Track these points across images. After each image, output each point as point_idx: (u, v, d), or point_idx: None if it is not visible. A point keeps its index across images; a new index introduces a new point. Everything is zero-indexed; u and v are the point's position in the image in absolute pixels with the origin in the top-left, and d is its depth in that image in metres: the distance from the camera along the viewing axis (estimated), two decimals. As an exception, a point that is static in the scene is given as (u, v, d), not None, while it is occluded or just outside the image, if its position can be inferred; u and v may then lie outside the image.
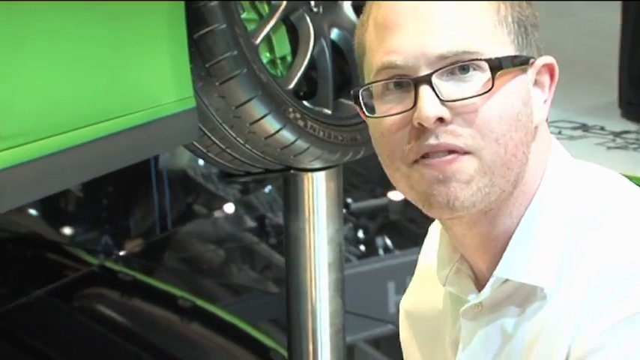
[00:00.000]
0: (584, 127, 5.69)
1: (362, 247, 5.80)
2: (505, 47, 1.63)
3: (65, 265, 3.79)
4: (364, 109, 1.67)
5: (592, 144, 5.51)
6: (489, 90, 1.58)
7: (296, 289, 3.15)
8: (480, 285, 1.74)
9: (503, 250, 1.67)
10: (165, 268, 3.92)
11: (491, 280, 1.68)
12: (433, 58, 1.59)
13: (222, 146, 2.91)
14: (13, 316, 3.46)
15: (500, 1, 1.63)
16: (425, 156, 1.60)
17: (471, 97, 1.58)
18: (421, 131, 1.59)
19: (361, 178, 5.70)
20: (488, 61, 1.58)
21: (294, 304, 3.14)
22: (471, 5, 1.63)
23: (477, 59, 1.60)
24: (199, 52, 2.70)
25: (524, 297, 1.68)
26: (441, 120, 1.57)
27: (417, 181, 1.63)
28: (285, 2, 2.86)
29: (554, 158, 1.73)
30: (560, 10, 6.17)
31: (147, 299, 3.75)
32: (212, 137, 2.88)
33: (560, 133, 5.56)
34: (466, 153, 1.60)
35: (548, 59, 1.69)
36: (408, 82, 1.60)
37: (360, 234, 5.66)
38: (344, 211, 4.70)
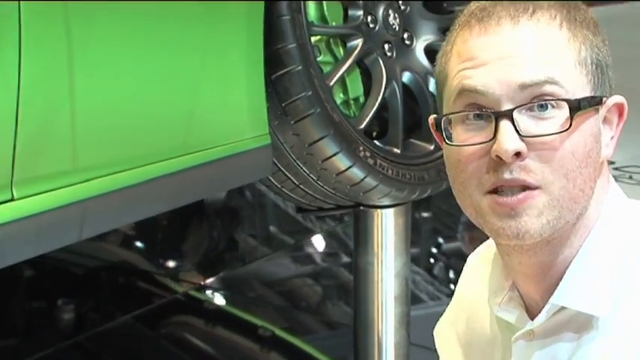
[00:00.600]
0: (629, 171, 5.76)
1: (452, 286, 5.74)
2: (583, 87, 1.63)
3: (154, 293, 3.84)
4: (444, 136, 1.68)
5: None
6: (567, 129, 1.59)
7: (364, 320, 3.15)
8: (530, 314, 1.74)
9: (559, 279, 1.67)
10: (247, 297, 3.93)
11: (547, 306, 1.68)
12: (515, 88, 1.60)
13: (296, 182, 2.93)
14: (109, 338, 3.55)
15: (582, 43, 1.64)
16: (498, 188, 1.62)
17: (550, 135, 1.59)
18: (498, 164, 1.60)
19: (455, 219, 5.67)
20: (567, 101, 1.59)
21: (362, 335, 3.16)
22: (554, 44, 1.64)
23: (557, 98, 1.60)
24: (276, 91, 2.75)
25: (578, 326, 1.67)
26: (517, 154, 1.58)
27: (488, 214, 1.64)
28: (360, 46, 2.86)
29: (612, 194, 1.73)
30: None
31: (228, 327, 3.81)
32: (286, 173, 2.91)
33: (630, 177, 5.58)
34: (537, 188, 1.61)
35: (618, 99, 1.69)
36: (489, 115, 1.62)
37: (452, 274, 5.61)
38: (435, 250, 4.73)
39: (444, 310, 2.08)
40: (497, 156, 1.60)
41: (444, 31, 2.93)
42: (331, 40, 2.91)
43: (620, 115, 1.71)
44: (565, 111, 1.60)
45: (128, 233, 3.96)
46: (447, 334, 2.03)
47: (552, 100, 1.61)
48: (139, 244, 3.99)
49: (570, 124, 1.60)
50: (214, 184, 2.83)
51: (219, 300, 3.96)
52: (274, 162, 2.84)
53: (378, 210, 3.08)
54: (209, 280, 3.92)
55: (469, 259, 2.02)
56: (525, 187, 1.61)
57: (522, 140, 1.60)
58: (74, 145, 2.37)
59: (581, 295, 1.67)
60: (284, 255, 4.28)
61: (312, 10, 2.86)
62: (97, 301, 3.78)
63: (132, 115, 2.56)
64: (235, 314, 3.86)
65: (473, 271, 1.98)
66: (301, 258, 4.32)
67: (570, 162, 1.62)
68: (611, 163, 6.14)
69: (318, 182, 2.92)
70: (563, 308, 1.69)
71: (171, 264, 4.05)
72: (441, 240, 5.32)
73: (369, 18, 2.91)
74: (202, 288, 3.90)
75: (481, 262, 1.93)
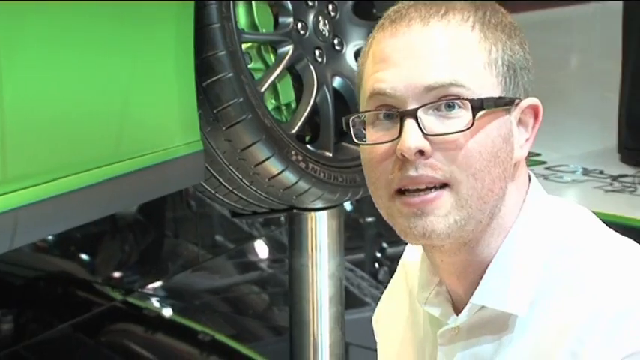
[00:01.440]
0: (585, 171, 5.80)
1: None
2: (492, 88, 1.64)
3: (92, 301, 3.85)
4: (354, 136, 1.69)
5: (590, 187, 5.60)
6: (469, 128, 1.60)
7: (299, 321, 3.16)
8: (457, 309, 1.74)
9: (481, 277, 1.68)
10: (189, 304, 3.95)
11: (468, 305, 1.69)
12: (421, 89, 1.61)
13: (229, 187, 2.95)
14: (48, 347, 3.55)
15: (493, 45, 1.66)
16: (405, 189, 1.62)
17: (452, 133, 1.60)
18: (404, 162, 1.60)
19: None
20: (470, 100, 1.60)
21: (297, 336, 3.17)
22: (463, 46, 1.65)
23: (460, 98, 1.61)
24: (207, 98, 2.76)
25: (499, 326, 1.69)
26: (422, 153, 1.59)
27: (396, 215, 1.64)
28: (290, 52, 2.87)
29: (531, 194, 1.74)
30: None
31: (168, 333, 3.84)
32: (219, 179, 2.93)
33: (561, 177, 5.64)
34: (444, 186, 1.62)
35: (533, 100, 1.70)
36: (395, 114, 1.62)
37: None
38: (379, 255, 4.74)
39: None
40: (402, 154, 1.60)
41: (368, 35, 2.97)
42: (262, 47, 2.92)
43: (536, 117, 1.73)
44: (466, 112, 1.62)
45: (65, 241, 3.97)
46: (384, 324, 2.03)
47: (457, 99, 1.63)
48: (76, 252, 3.96)
49: (473, 123, 1.61)
50: (147, 191, 2.84)
51: (159, 306, 3.91)
52: (207, 168, 2.86)
53: (312, 213, 3.10)
54: (150, 286, 3.90)
55: (405, 252, 2.01)
56: (432, 188, 1.63)
57: (427, 139, 1.60)
58: (4, 153, 2.36)
59: (499, 295, 1.69)
60: (225, 261, 4.25)
61: (242, 17, 2.87)
62: (35, 311, 3.80)
63: (61, 123, 2.56)
64: (175, 320, 3.85)
65: (407, 266, 1.97)
66: (243, 264, 4.29)
67: (477, 161, 1.63)
68: (542, 163, 6.24)
69: (251, 187, 2.94)
70: (483, 307, 1.70)
71: (110, 271, 4.01)
72: (385, 244, 5.29)
73: (299, 25, 2.93)
74: (143, 295, 3.88)
75: (410, 255, 1.93)
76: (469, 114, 1.61)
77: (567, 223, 1.75)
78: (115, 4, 2.62)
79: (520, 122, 1.71)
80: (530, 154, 4.51)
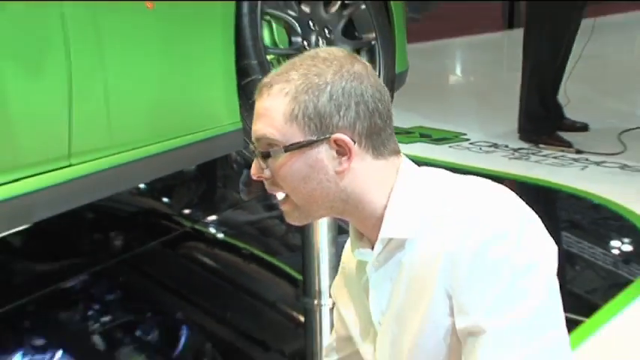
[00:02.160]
0: (495, 146, 5.74)
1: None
2: (293, 136, 1.57)
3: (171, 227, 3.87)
4: None
5: (499, 156, 5.54)
6: (282, 165, 1.58)
7: (307, 241, 3.10)
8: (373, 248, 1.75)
9: (380, 223, 1.64)
10: (230, 229, 3.95)
11: (378, 241, 1.65)
12: (254, 139, 1.62)
13: None
14: (144, 261, 3.57)
15: (296, 103, 1.56)
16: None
17: (268, 166, 1.60)
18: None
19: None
20: (274, 143, 1.57)
21: (307, 250, 3.10)
22: (273, 108, 1.57)
23: (268, 143, 1.58)
24: (244, 93, 2.71)
25: (399, 248, 1.64)
26: (259, 177, 1.62)
27: None
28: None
29: (403, 168, 1.66)
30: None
31: (221, 249, 3.82)
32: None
33: (480, 149, 5.59)
34: (283, 196, 1.65)
35: (338, 136, 1.56)
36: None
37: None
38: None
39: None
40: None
41: (356, 51, 2.97)
42: (280, 58, 2.85)
43: (346, 144, 1.59)
44: (279, 152, 1.60)
45: (153, 187, 3.98)
46: (338, 294, 1.94)
47: (267, 143, 1.60)
48: (160, 195, 4.02)
49: (285, 160, 1.62)
50: (207, 154, 2.84)
51: (214, 231, 4.00)
52: (245, 139, 2.77)
53: None
54: (208, 219, 3.91)
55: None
56: (274, 194, 1.69)
57: (262, 166, 1.64)
58: (110, 126, 2.31)
59: (395, 228, 1.64)
60: (256, 203, 4.21)
61: (266, 37, 2.83)
62: (136, 233, 3.81)
63: (151, 105, 2.50)
64: (225, 240, 3.92)
65: (346, 245, 1.91)
66: (268, 205, 4.24)
67: (290, 183, 1.62)
68: (467, 139, 6.16)
69: None
70: (389, 239, 1.66)
71: (182, 208, 4.04)
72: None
73: (305, 42, 2.88)
74: (204, 224, 3.92)
75: (348, 240, 1.86)
76: (278, 152, 1.62)
77: (433, 177, 1.70)
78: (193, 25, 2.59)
79: (337, 147, 1.60)
80: (459, 134, 4.44)
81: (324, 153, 1.58)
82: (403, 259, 1.66)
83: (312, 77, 1.56)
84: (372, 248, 1.70)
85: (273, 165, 1.59)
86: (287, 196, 1.63)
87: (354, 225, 1.75)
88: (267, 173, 1.61)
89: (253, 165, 1.62)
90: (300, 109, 1.56)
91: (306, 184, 1.59)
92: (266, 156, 1.59)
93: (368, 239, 1.71)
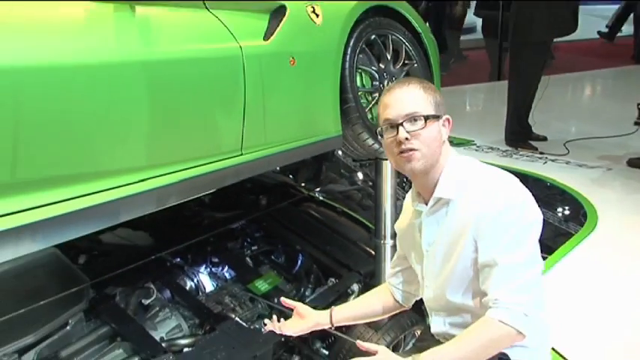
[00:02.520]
0: (491, 148, 5.74)
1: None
2: (430, 111, 1.66)
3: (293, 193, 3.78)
4: (380, 136, 1.73)
5: (495, 155, 5.57)
6: (423, 127, 1.64)
7: (378, 202, 3.09)
8: (427, 203, 1.73)
9: (435, 187, 1.69)
10: (330, 195, 3.88)
11: (432, 198, 1.70)
12: (403, 115, 1.65)
13: (351, 148, 2.90)
14: (279, 214, 3.56)
15: (428, 94, 1.67)
16: (401, 152, 1.66)
17: (417, 130, 1.64)
18: (400, 143, 1.65)
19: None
20: (423, 116, 1.64)
21: (378, 209, 3.09)
22: (417, 97, 1.66)
23: (418, 115, 1.64)
24: (344, 113, 2.70)
25: (445, 205, 1.68)
26: (406, 138, 1.64)
27: (401, 162, 1.68)
28: (377, 96, 2.78)
29: (452, 153, 1.72)
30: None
31: (327, 208, 3.78)
32: (348, 146, 2.89)
33: (482, 150, 5.65)
34: (416, 150, 1.64)
35: (446, 116, 1.71)
36: (395, 125, 1.66)
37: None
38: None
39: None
40: (399, 140, 1.66)
41: None
42: (365, 94, 2.86)
43: (449, 122, 1.73)
44: (422, 121, 1.65)
45: (288, 167, 3.90)
46: (399, 228, 1.95)
47: (416, 116, 1.65)
48: (289, 173, 3.95)
49: (425, 125, 1.66)
50: (320, 149, 2.74)
51: (321, 197, 3.87)
52: (343, 141, 2.81)
53: (384, 160, 3.05)
54: (317, 189, 3.87)
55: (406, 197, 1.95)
56: (411, 150, 1.65)
57: (407, 132, 1.65)
58: (265, 130, 2.31)
59: (444, 191, 1.68)
60: (345, 180, 4.16)
61: (357, 80, 2.80)
62: (275, 196, 3.73)
63: (292, 121, 2.50)
64: (326, 202, 3.80)
65: (405, 199, 1.92)
66: (353, 182, 4.18)
67: (428, 139, 1.66)
68: (474, 144, 6.10)
69: (361, 148, 2.89)
70: (437, 198, 1.70)
71: (303, 182, 3.96)
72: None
73: (380, 85, 2.88)
74: (315, 192, 3.84)
75: (407, 195, 1.89)
76: (423, 121, 1.65)
77: (470, 161, 1.75)
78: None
79: (443, 125, 1.71)
80: (469, 140, 4.27)
81: (440, 125, 1.69)
82: (448, 211, 1.69)
83: (424, 83, 1.72)
84: (426, 204, 1.75)
85: (416, 128, 1.65)
86: (418, 149, 1.65)
87: (417, 187, 1.78)
88: (407, 135, 1.64)
89: (400, 131, 1.64)
90: (431, 98, 1.69)
91: (433, 141, 1.67)
92: (413, 123, 1.65)
93: (423, 198, 1.76)
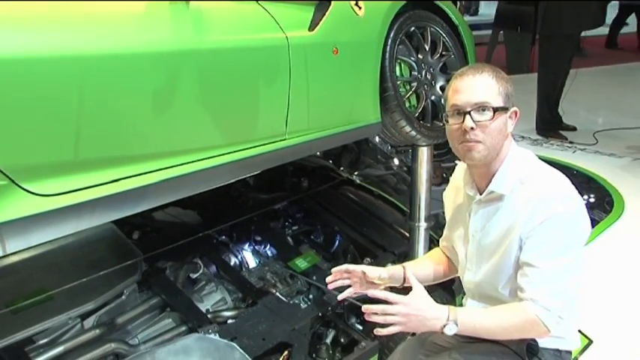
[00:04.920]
0: (522, 137, 5.71)
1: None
2: (499, 103, 1.60)
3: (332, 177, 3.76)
4: (445, 121, 1.68)
5: (526, 143, 5.52)
6: (491, 118, 1.59)
7: (414, 187, 3.06)
8: (480, 193, 1.71)
9: (491, 178, 1.65)
10: (368, 179, 3.82)
11: (487, 189, 1.66)
12: (472, 103, 1.60)
13: (389, 134, 2.86)
14: (319, 196, 3.54)
15: (499, 85, 1.60)
16: (464, 140, 1.61)
17: (485, 121, 1.59)
18: (464, 132, 1.60)
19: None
20: (492, 108, 1.59)
21: (414, 193, 3.06)
22: (488, 85, 1.60)
23: (487, 106, 1.59)
24: (383, 101, 2.67)
25: (499, 199, 1.65)
26: (472, 128, 1.59)
27: (462, 150, 1.63)
28: (416, 85, 2.78)
29: (513, 145, 1.68)
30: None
31: (361, 190, 3.73)
32: (387, 132, 2.84)
33: (515, 139, 5.62)
34: (479, 142, 1.60)
35: (514, 108, 1.65)
36: (463, 112, 1.61)
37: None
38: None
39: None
40: (464, 129, 1.61)
41: (446, 80, 2.88)
42: (404, 83, 2.83)
43: (516, 114, 1.66)
44: (491, 112, 1.60)
45: (328, 152, 3.84)
46: (446, 200, 1.93)
47: (485, 107, 1.60)
48: (330, 157, 3.90)
49: (493, 117, 1.60)
50: (363, 134, 2.74)
51: (358, 180, 3.82)
52: (382, 128, 2.76)
53: (421, 147, 3.00)
54: (355, 173, 3.84)
55: (457, 167, 1.89)
56: (475, 141, 1.61)
57: (474, 122, 1.60)
58: (308, 116, 2.30)
59: (499, 186, 1.65)
60: (382, 164, 4.10)
61: (397, 70, 2.79)
62: (315, 179, 3.70)
63: (336, 108, 2.48)
64: (364, 185, 3.75)
65: (457, 173, 1.87)
66: (388, 167, 4.13)
67: (493, 132, 1.61)
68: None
69: (399, 135, 2.84)
70: (492, 191, 1.67)
71: (342, 167, 3.90)
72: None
73: (418, 74, 2.86)
74: (354, 175, 3.82)
75: (460, 168, 1.84)
76: (491, 112, 1.60)
77: (527, 157, 1.69)
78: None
79: (510, 117, 1.65)
80: None
81: (507, 118, 1.63)
82: (501, 205, 1.65)
83: (498, 72, 1.64)
84: (479, 192, 1.71)
85: (484, 119, 1.59)
86: (482, 141, 1.60)
87: (473, 174, 1.73)
88: (474, 125, 1.59)
89: (467, 120, 1.59)
90: (502, 89, 1.62)
91: (498, 134, 1.61)
92: (482, 112, 1.59)
93: (477, 185, 1.72)
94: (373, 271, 1.79)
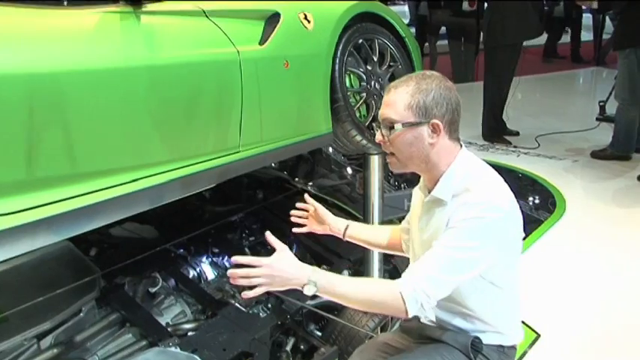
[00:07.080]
0: (470, 143, 5.79)
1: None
2: (409, 118, 1.58)
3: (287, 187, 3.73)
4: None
5: (474, 149, 5.63)
6: (397, 134, 1.60)
7: (367, 192, 3.02)
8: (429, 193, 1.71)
9: (437, 182, 1.66)
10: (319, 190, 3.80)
11: (430, 194, 1.67)
12: (382, 119, 1.63)
13: (341, 144, 2.86)
14: (274, 206, 3.47)
15: (412, 99, 1.58)
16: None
17: (389, 136, 1.61)
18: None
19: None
20: (398, 123, 1.58)
21: (366, 199, 3.02)
22: (399, 102, 1.59)
23: (392, 122, 1.59)
24: (334, 112, 2.67)
25: (441, 203, 1.64)
26: (383, 142, 1.63)
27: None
28: (365, 95, 2.78)
29: (461, 152, 1.66)
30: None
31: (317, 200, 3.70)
32: (338, 142, 2.85)
33: (467, 144, 5.72)
34: (393, 154, 1.64)
35: (435, 121, 1.59)
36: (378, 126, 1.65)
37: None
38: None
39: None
40: (378, 142, 1.68)
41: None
42: (354, 94, 2.83)
43: (437, 127, 1.60)
44: (395, 128, 1.60)
45: (283, 163, 3.81)
46: (415, 194, 1.89)
47: (390, 122, 1.61)
48: (283, 169, 3.87)
49: (401, 131, 1.60)
50: (311, 146, 2.72)
51: (313, 190, 3.78)
52: (334, 138, 2.77)
53: (372, 155, 3.00)
54: (309, 183, 3.81)
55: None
56: (390, 153, 1.66)
57: (382, 136, 1.65)
58: (261, 128, 2.28)
59: (441, 192, 1.65)
60: (334, 174, 4.08)
61: (347, 81, 2.79)
62: (270, 190, 3.65)
63: (287, 120, 2.46)
64: (318, 194, 3.72)
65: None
66: (343, 176, 4.10)
67: (401, 146, 1.62)
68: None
69: (349, 145, 2.85)
70: (434, 197, 1.67)
71: (296, 177, 3.89)
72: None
73: (368, 85, 2.86)
74: (307, 185, 3.79)
75: None
76: (396, 129, 1.61)
77: (475, 165, 1.68)
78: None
79: (431, 129, 1.60)
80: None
81: (424, 131, 1.60)
82: (442, 209, 1.65)
83: (422, 84, 1.59)
84: (429, 192, 1.71)
85: (392, 135, 1.61)
86: (394, 154, 1.63)
87: (424, 179, 1.74)
88: (386, 139, 1.62)
89: (378, 134, 1.63)
90: (416, 101, 1.59)
91: (408, 147, 1.61)
92: (389, 129, 1.61)
93: (428, 189, 1.73)
94: (323, 210, 2.05)
